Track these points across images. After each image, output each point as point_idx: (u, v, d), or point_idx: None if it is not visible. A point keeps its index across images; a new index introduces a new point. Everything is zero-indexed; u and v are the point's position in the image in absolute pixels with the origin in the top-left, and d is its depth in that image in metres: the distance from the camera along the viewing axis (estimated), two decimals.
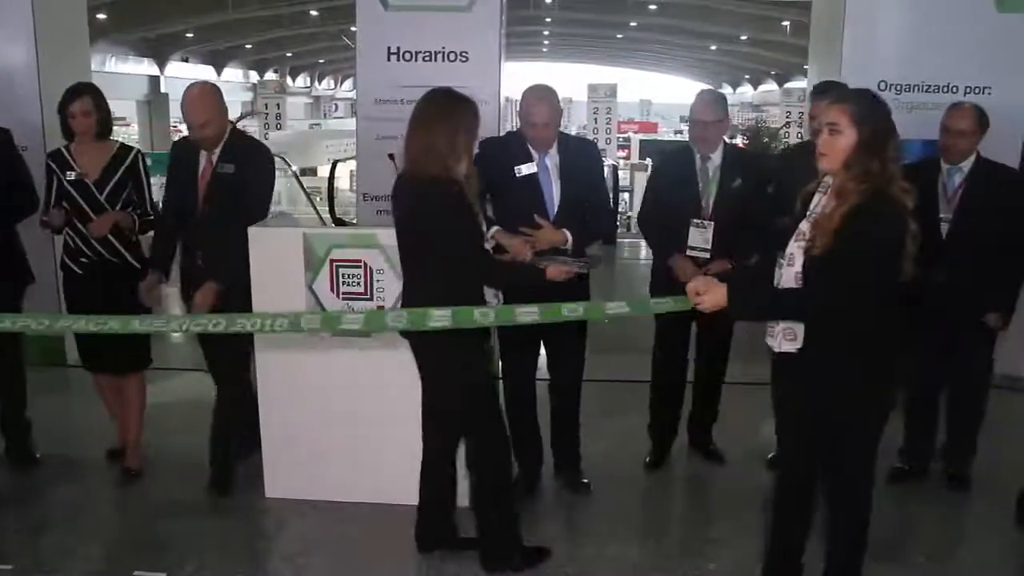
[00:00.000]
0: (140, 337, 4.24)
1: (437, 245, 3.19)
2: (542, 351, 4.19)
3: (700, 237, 4.15)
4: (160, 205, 4.37)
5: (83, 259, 4.15)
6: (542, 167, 3.94)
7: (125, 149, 4.23)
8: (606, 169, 5.05)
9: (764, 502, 3.54)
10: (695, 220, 4.15)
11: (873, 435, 2.91)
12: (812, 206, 2.84)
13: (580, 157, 4.04)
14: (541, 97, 3.88)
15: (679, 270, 4.04)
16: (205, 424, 4.16)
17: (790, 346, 2.84)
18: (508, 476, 3.55)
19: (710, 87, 4.49)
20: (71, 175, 4.10)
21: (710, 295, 2.79)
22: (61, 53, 5.90)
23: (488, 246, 3.72)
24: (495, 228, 3.82)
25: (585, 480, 4.21)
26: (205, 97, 3.96)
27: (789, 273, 2.80)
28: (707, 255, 4.11)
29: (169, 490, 4.21)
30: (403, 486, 3.64)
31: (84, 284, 4.17)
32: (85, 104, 4.08)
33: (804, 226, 2.80)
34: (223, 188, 3.96)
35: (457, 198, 3.17)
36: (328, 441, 3.98)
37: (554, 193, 3.94)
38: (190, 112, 3.95)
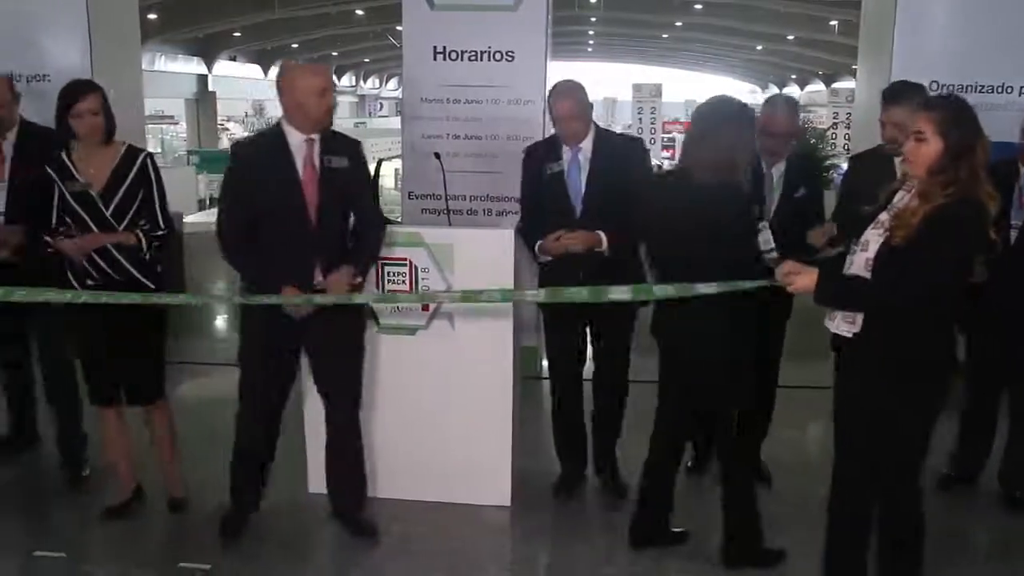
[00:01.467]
0: (156, 362, 3.83)
1: (722, 248, 3.18)
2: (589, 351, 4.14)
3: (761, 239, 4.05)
4: (221, 219, 3.57)
5: (89, 281, 3.60)
6: (572, 163, 3.87)
7: (134, 152, 3.70)
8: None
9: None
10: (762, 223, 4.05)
11: (917, 435, 2.88)
12: (896, 200, 2.84)
13: (617, 153, 3.90)
14: (564, 91, 3.84)
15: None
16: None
17: (847, 329, 2.86)
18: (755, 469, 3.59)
19: (780, 92, 4.33)
20: (74, 185, 3.57)
21: (802, 277, 2.88)
22: (114, 53, 5.99)
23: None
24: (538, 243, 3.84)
25: (623, 483, 4.12)
26: None
27: (861, 258, 2.82)
28: (774, 255, 4.00)
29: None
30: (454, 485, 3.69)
31: (89, 309, 3.53)
32: (93, 102, 3.56)
33: (884, 216, 2.81)
34: (334, 185, 3.49)
35: (747, 205, 3.28)
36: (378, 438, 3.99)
37: (580, 190, 3.86)
38: None
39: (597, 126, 3.93)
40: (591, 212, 3.83)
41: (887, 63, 5.37)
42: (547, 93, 4.10)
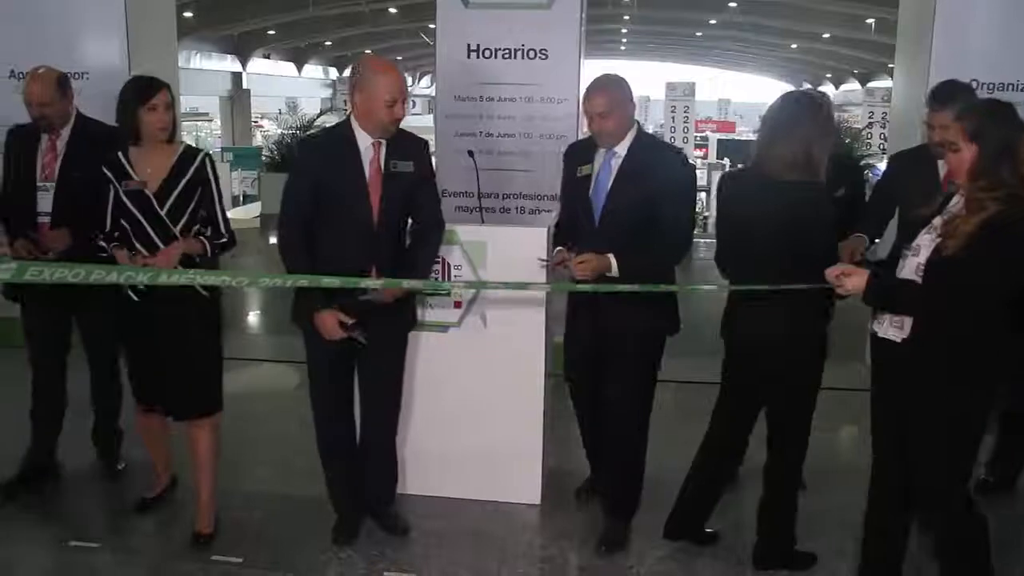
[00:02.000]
0: (205, 377, 3.67)
1: (804, 247, 3.11)
2: None
3: None
4: (283, 217, 3.49)
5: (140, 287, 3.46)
6: (603, 168, 3.58)
7: (191, 152, 3.61)
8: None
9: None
10: None
11: (967, 440, 2.85)
12: (951, 204, 2.82)
13: (650, 163, 3.51)
14: (596, 85, 3.55)
15: None
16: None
17: (895, 334, 2.85)
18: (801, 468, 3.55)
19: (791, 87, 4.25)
20: (129, 185, 3.49)
21: (853, 279, 2.85)
22: (151, 51, 6.07)
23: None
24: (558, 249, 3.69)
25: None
26: None
27: (912, 263, 2.81)
28: None
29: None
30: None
31: (142, 315, 3.52)
32: (167, 97, 3.51)
33: (938, 221, 2.79)
34: (397, 189, 3.44)
35: (828, 204, 3.21)
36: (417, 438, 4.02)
37: (601, 198, 3.55)
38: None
39: (640, 129, 3.62)
40: (609, 225, 3.53)
41: (925, 62, 5.31)
42: (583, 90, 4.00)
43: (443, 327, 3.92)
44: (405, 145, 3.48)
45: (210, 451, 3.72)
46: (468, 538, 3.74)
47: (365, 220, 3.39)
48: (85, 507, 4.07)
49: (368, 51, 35.43)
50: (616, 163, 3.55)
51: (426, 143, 3.61)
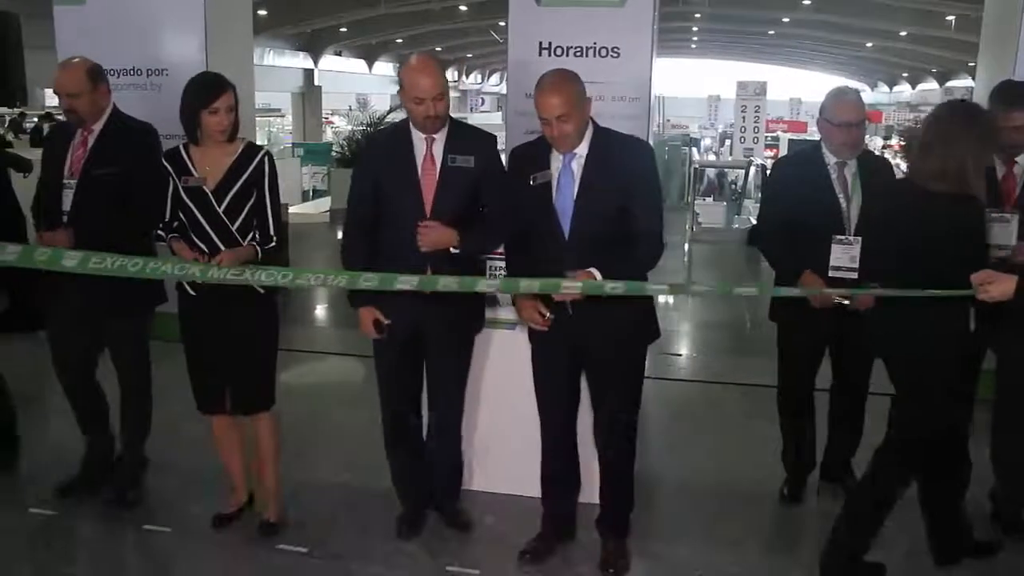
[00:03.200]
0: (264, 370, 3.70)
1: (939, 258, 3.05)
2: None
3: (845, 255, 3.67)
4: (347, 214, 3.55)
5: (196, 282, 3.49)
6: (565, 172, 3.26)
7: (253, 149, 3.58)
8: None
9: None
10: (838, 236, 3.69)
11: None
12: None
13: (616, 159, 3.25)
14: (548, 86, 3.19)
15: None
16: None
17: None
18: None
19: (844, 85, 4.17)
20: (189, 181, 3.49)
21: (997, 284, 2.82)
22: (228, 48, 6.20)
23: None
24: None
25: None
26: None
27: None
28: (854, 275, 3.64)
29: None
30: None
31: (200, 309, 3.57)
32: (230, 99, 3.46)
33: None
34: (456, 185, 3.40)
35: (980, 219, 3.13)
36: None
37: (568, 207, 3.25)
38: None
39: (596, 125, 3.33)
40: (582, 236, 3.24)
41: (1011, 59, 5.14)
42: (655, 89, 3.88)
43: (511, 325, 3.91)
44: (467, 140, 3.45)
45: (273, 442, 3.76)
46: (529, 535, 3.70)
47: (417, 215, 3.36)
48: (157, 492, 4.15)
49: (438, 48, 35.76)
50: (578, 165, 3.26)
51: (494, 139, 3.56)
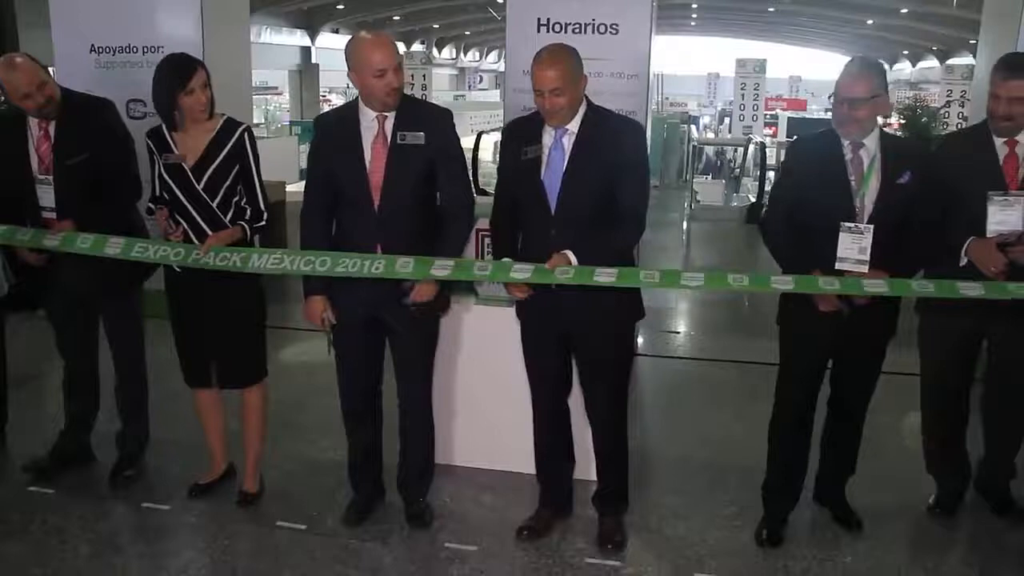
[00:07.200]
0: (253, 343, 3.77)
1: None
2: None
3: (854, 246, 3.28)
4: (304, 208, 3.51)
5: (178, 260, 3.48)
6: (556, 148, 3.27)
7: (231, 124, 3.58)
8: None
9: None
10: (846, 224, 3.28)
11: None
12: None
13: (606, 137, 3.24)
14: (546, 58, 3.20)
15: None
16: None
17: None
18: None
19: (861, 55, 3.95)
20: (168, 158, 3.50)
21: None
22: (224, 26, 6.13)
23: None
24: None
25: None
26: None
27: None
28: (864, 268, 3.26)
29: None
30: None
31: (186, 286, 3.61)
32: (203, 76, 3.47)
33: None
34: (407, 163, 3.31)
35: None
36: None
37: (556, 182, 3.26)
38: None
39: (590, 103, 3.32)
40: (569, 211, 3.24)
41: (1013, 36, 5.11)
42: (653, 66, 3.86)
43: (508, 302, 3.89)
44: (418, 116, 3.35)
45: (260, 415, 3.85)
46: (527, 511, 3.73)
47: (365, 195, 3.31)
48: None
49: (435, 25, 35.57)
50: (569, 141, 3.27)
51: (449, 114, 3.43)
